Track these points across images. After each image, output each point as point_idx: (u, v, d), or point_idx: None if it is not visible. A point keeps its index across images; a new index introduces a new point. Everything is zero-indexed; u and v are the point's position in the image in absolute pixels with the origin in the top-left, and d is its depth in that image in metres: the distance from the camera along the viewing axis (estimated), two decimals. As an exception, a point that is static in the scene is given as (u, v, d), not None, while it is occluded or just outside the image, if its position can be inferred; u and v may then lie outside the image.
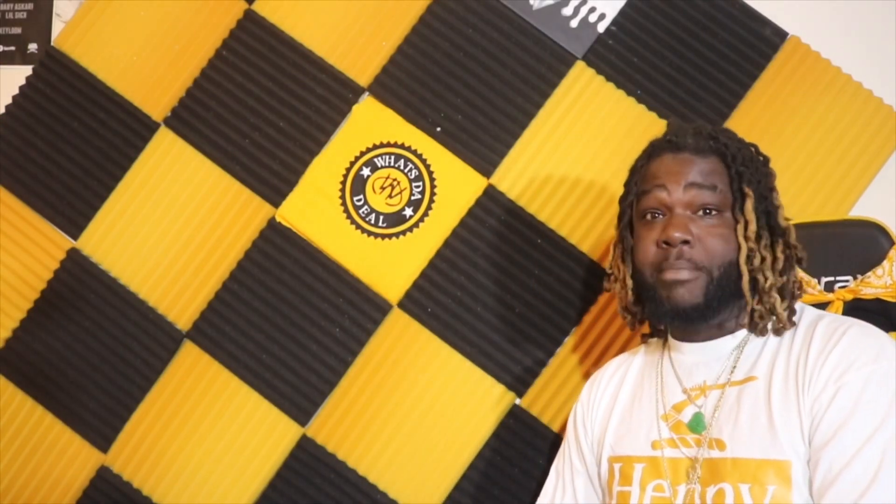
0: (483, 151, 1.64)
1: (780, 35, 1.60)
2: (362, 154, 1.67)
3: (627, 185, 1.21)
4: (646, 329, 1.29)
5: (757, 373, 1.08)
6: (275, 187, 1.68)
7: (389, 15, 1.69)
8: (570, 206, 1.61)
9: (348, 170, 1.67)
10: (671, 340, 1.20)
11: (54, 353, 1.70)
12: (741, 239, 1.10)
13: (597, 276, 1.58)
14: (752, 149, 1.18)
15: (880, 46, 1.58)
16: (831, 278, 1.39)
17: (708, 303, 1.09)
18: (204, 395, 1.66)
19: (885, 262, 1.36)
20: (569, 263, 1.60)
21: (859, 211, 1.53)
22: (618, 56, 1.63)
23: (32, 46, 1.82)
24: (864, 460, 0.96)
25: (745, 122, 1.59)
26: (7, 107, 1.77)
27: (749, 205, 1.10)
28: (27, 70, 1.78)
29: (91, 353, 1.69)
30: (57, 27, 1.80)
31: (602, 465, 1.21)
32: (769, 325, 1.10)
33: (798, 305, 1.14)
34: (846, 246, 1.40)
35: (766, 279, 1.10)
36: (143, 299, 1.69)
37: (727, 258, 1.10)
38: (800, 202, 1.56)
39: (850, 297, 1.37)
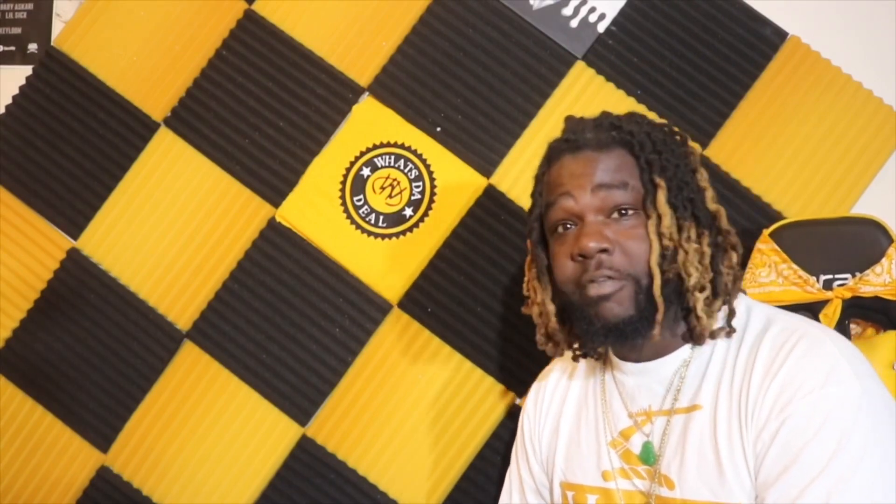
0: (483, 151, 1.64)
1: (780, 35, 1.60)
2: (362, 154, 1.67)
3: (532, 196, 1.08)
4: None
5: (702, 401, 0.98)
6: (275, 187, 1.68)
7: (389, 15, 1.69)
8: (570, 206, 1.61)
9: (348, 170, 1.67)
10: (612, 357, 1.10)
11: (54, 353, 1.70)
12: (653, 236, 0.96)
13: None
14: (665, 129, 1.04)
15: (880, 46, 1.58)
16: (830, 276, 1.38)
17: (641, 314, 0.97)
18: (204, 395, 1.66)
19: (884, 260, 1.36)
20: (569, 263, 1.59)
21: (859, 210, 1.53)
22: (618, 56, 1.63)
23: (32, 46, 1.82)
24: (810, 499, 0.86)
25: (745, 122, 1.59)
26: (7, 107, 1.77)
27: (661, 197, 0.97)
28: (27, 70, 1.78)
29: (91, 353, 1.69)
30: (57, 27, 1.80)
31: (554, 487, 1.14)
32: (706, 332, 0.99)
33: (745, 304, 1.02)
34: (845, 244, 1.39)
35: (689, 276, 0.97)
36: (143, 299, 1.69)
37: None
38: (800, 202, 1.56)
39: (848, 295, 1.37)
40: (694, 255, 0.97)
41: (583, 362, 1.17)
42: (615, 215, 0.99)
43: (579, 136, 1.02)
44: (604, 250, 0.97)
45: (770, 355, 0.94)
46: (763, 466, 0.90)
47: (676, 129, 1.06)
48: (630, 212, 0.99)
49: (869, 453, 0.85)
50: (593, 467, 1.07)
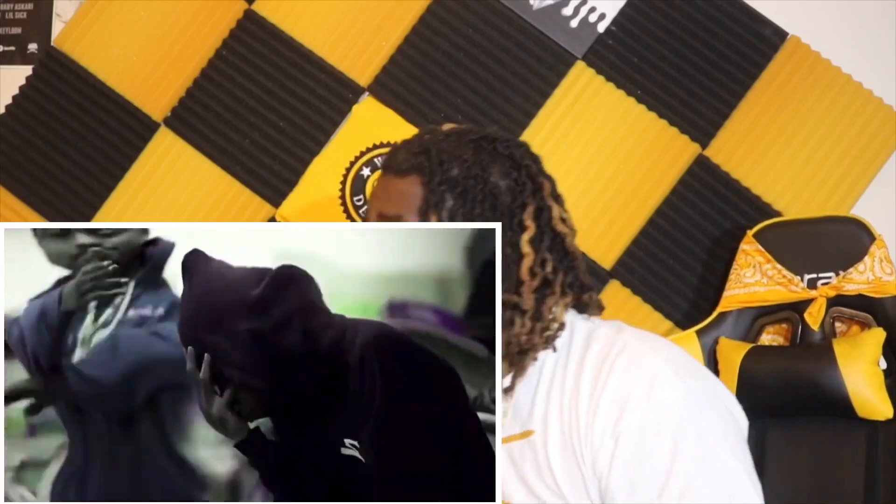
0: (483, 151, 1.64)
1: (780, 35, 1.60)
2: (362, 154, 1.67)
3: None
4: None
5: (534, 425, 0.96)
6: (275, 187, 1.68)
7: (389, 15, 1.69)
8: (570, 205, 1.60)
9: (348, 170, 1.67)
10: None
11: (54, 353, 1.70)
12: None
13: (597, 276, 1.58)
14: (479, 157, 0.97)
15: (880, 46, 1.59)
16: (814, 275, 1.40)
17: None
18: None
19: (867, 258, 1.37)
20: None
21: (859, 211, 1.53)
22: (618, 56, 1.63)
23: (32, 46, 1.82)
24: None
25: (745, 122, 1.59)
26: (7, 107, 1.77)
27: None
28: (27, 70, 1.78)
29: (91, 353, 1.69)
30: (57, 27, 1.80)
31: None
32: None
33: (569, 321, 0.99)
34: (828, 243, 1.41)
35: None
36: (143, 299, 1.69)
37: None
38: (800, 202, 1.56)
39: (832, 293, 1.39)
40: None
41: None
42: None
43: (390, 157, 1.01)
44: None
45: (593, 375, 0.93)
46: (608, 489, 0.89)
47: (519, 155, 1.00)
48: None
49: (709, 449, 0.86)
50: None
